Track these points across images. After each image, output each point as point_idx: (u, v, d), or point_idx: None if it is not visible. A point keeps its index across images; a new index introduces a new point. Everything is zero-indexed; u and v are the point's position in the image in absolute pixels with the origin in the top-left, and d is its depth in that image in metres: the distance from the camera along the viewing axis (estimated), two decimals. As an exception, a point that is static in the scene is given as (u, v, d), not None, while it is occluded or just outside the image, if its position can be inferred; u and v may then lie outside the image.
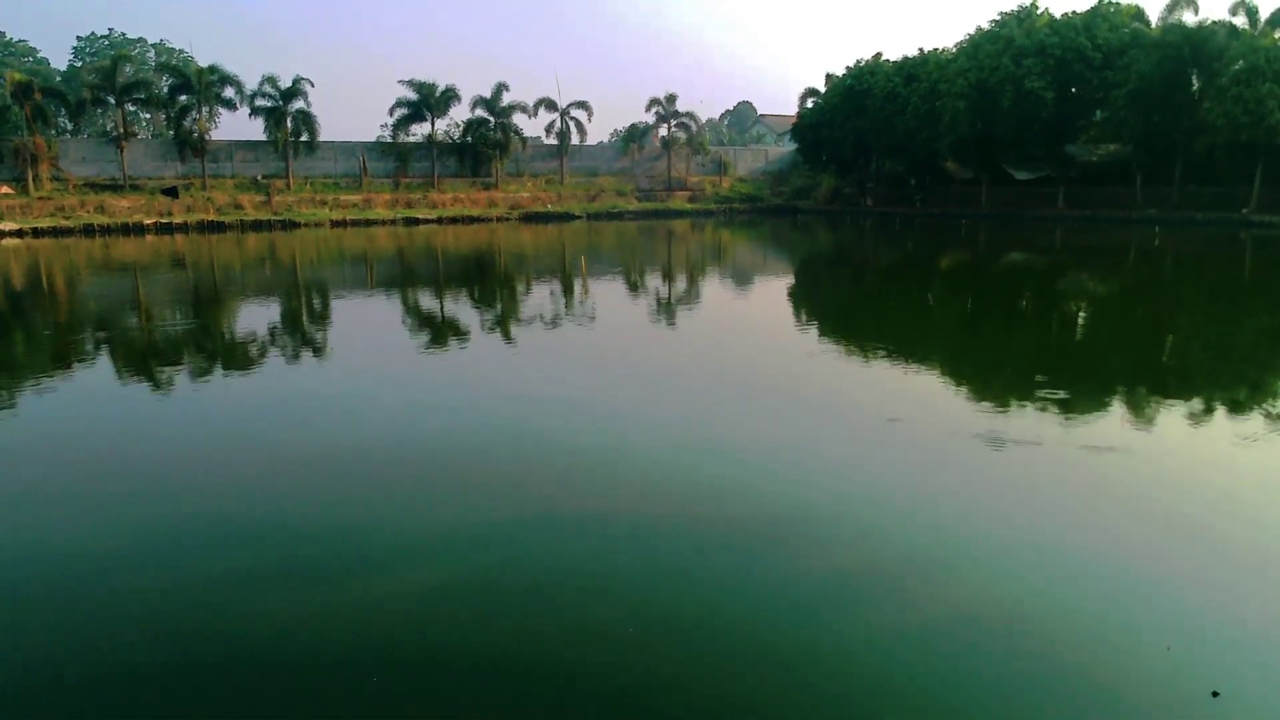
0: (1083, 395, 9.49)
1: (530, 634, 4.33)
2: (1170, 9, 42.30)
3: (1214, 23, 40.18)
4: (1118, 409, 9.10)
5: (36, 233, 40.40)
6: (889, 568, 5.10)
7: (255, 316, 17.05)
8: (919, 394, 9.66)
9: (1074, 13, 45.74)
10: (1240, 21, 40.00)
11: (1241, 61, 38.08)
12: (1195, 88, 40.84)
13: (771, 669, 4.04)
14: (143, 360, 12.32)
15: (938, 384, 10.43)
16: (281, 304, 18.94)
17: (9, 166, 45.59)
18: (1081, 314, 16.72)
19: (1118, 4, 45.38)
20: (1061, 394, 9.53)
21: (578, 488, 6.52)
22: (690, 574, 5.00)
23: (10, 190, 44.51)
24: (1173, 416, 8.62)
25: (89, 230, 42.04)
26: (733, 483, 6.55)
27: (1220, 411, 8.84)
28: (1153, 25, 43.32)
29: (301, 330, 15.10)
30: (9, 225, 40.08)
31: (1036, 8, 47.86)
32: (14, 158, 45.41)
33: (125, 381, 10.96)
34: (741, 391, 9.80)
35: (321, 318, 16.88)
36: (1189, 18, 41.51)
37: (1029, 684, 3.94)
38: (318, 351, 12.91)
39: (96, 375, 11.38)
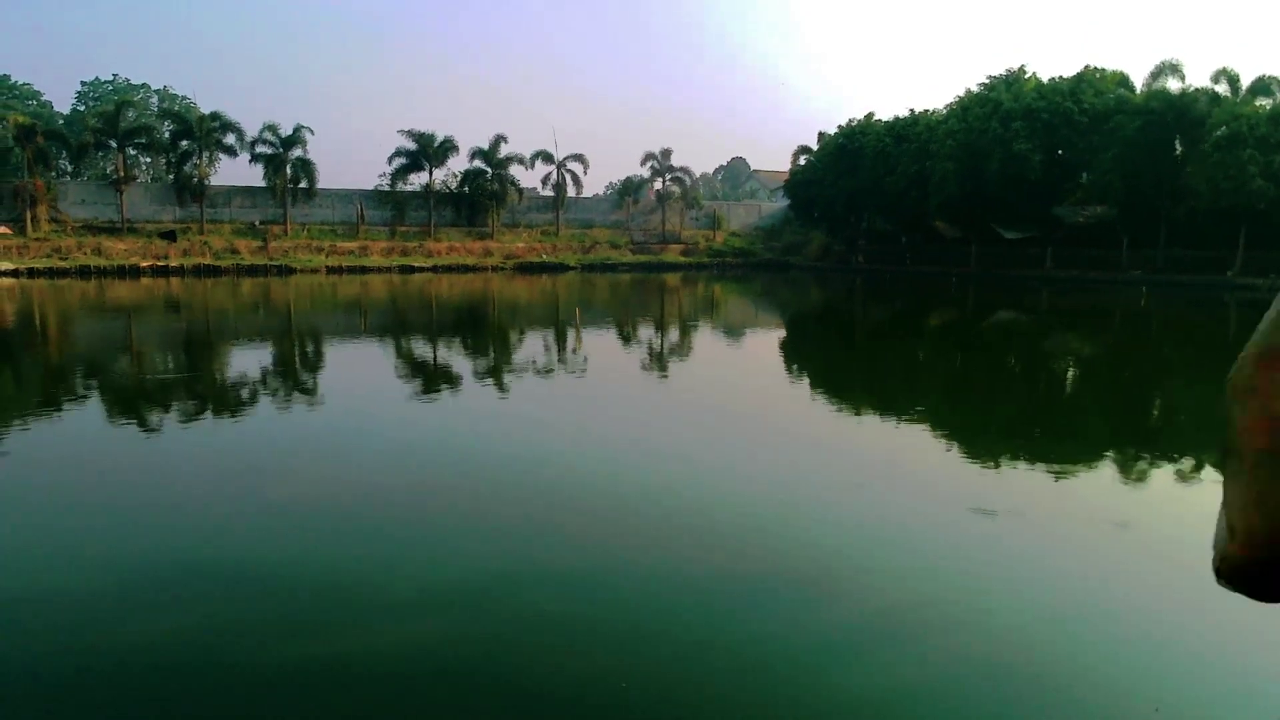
0: (1073, 454, 9.62)
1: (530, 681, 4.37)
2: (1155, 75, 43.44)
3: (1197, 89, 41.24)
4: (1106, 474, 9.21)
5: (32, 273, 40.57)
6: (901, 614, 5.16)
7: (246, 361, 17.13)
8: (901, 451, 9.77)
9: (1061, 77, 46.92)
10: (1223, 89, 41.07)
11: (1224, 128, 38.99)
12: (1179, 153, 41.75)
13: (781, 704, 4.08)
14: (128, 403, 12.37)
15: (921, 441, 10.54)
16: (273, 349, 19.02)
17: (8, 207, 45.96)
18: (1068, 373, 16.92)
19: (1103, 70, 46.57)
20: (1053, 457, 9.65)
21: (568, 534, 6.58)
22: (701, 620, 5.05)
23: (8, 230, 44.79)
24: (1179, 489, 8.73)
25: (84, 272, 42.24)
26: (730, 532, 6.61)
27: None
28: (1137, 91, 44.39)
29: (291, 375, 15.17)
30: (5, 265, 40.26)
31: (1024, 72, 49.08)
32: (13, 199, 45.80)
33: (112, 423, 11.00)
34: (730, 445, 9.89)
35: (312, 363, 16.96)
36: (1173, 84, 42.61)
37: None
38: (305, 395, 12.97)
39: (82, 417, 11.42)
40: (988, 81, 49.99)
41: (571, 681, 4.42)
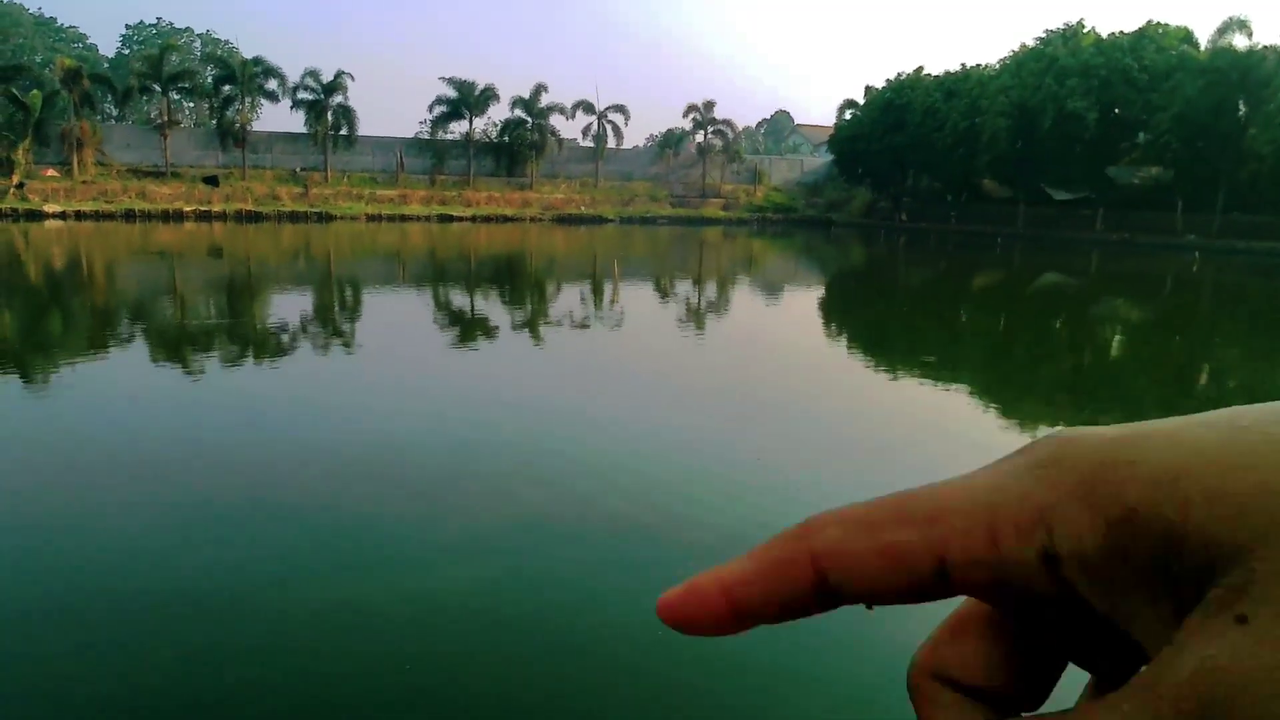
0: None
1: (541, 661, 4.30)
2: (1220, 32, 41.69)
3: (1264, 48, 39.55)
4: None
5: (79, 216, 41.14)
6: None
7: (298, 307, 17.21)
8: (932, 417, 9.54)
9: (1121, 33, 45.24)
10: (1291, 48, 39.40)
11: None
12: (1242, 114, 40.21)
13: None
14: (172, 348, 12.47)
15: (954, 406, 10.29)
16: (313, 298, 19.10)
17: (55, 150, 46.49)
18: (1113, 340, 16.47)
19: (1166, 26, 44.81)
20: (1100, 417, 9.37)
21: (566, 502, 6.49)
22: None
23: (56, 174, 45.38)
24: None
25: (130, 215, 42.76)
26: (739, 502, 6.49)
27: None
28: (1201, 48, 42.71)
29: (327, 326, 15.21)
30: (53, 208, 40.85)
31: (1083, 26, 47.39)
32: (60, 142, 46.28)
33: (153, 366, 11.10)
34: (762, 410, 9.72)
35: (349, 313, 17.00)
36: (1240, 41, 40.89)
37: None
38: (337, 348, 12.99)
39: (118, 362, 11.52)
40: (1044, 36, 48.43)
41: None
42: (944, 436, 8.60)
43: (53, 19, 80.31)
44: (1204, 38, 43.32)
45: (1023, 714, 0.25)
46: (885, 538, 0.24)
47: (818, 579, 0.24)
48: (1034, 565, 0.22)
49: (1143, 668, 0.21)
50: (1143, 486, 0.21)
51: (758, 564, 0.24)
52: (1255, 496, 0.20)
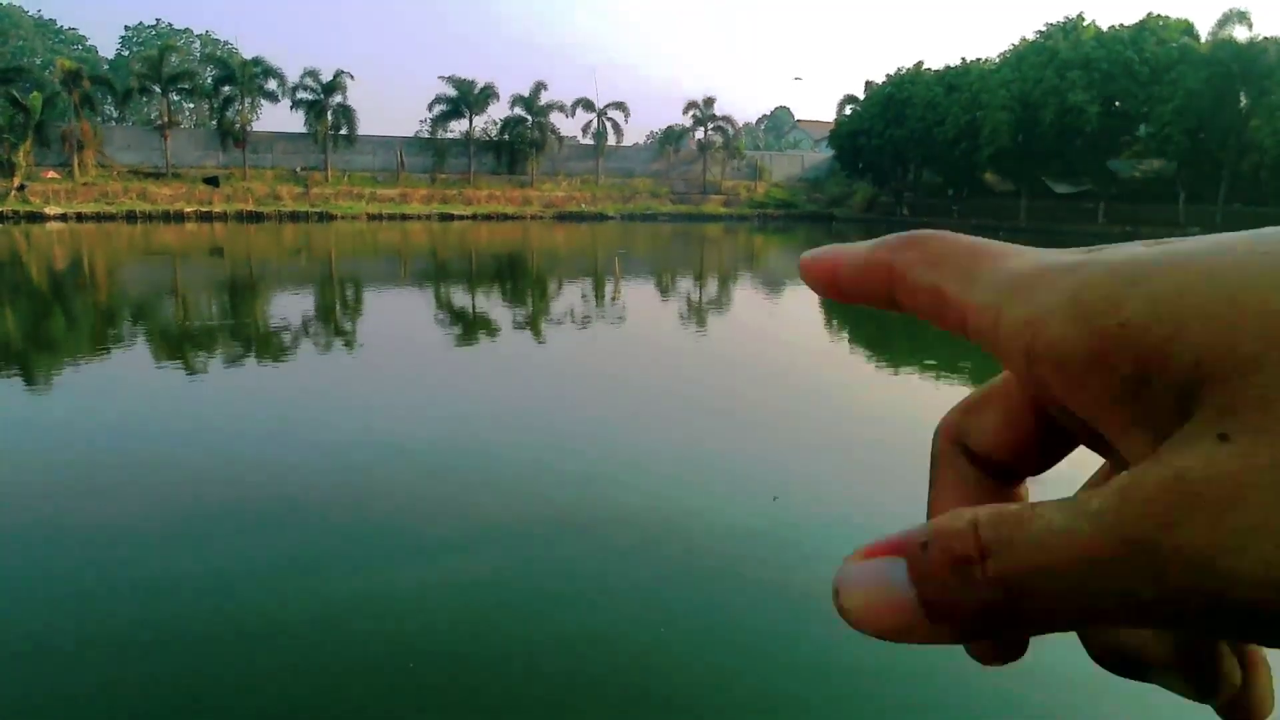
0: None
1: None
2: (1221, 24, 41.56)
3: (1265, 39, 39.43)
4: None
5: (80, 217, 41.15)
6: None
7: (287, 308, 17.21)
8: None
9: (1122, 25, 45.11)
10: (1293, 38, 39.28)
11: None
12: (1243, 105, 40.10)
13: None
14: (177, 347, 12.46)
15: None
16: (315, 298, 19.09)
17: (56, 152, 46.50)
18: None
19: (1167, 18, 44.68)
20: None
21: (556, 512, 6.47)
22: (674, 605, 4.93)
23: (57, 175, 45.40)
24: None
25: (131, 217, 42.77)
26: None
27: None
28: (1202, 40, 42.58)
29: (327, 326, 15.20)
30: (54, 210, 40.87)
31: (1083, 19, 47.27)
32: (61, 144, 46.29)
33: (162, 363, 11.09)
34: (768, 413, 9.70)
35: (350, 313, 16.99)
36: (1241, 33, 40.77)
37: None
38: (337, 349, 12.98)
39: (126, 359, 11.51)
40: (1044, 29, 48.30)
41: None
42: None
43: (52, 20, 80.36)
44: (1205, 30, 43.22)
45: (1004, 501, 0.25)
46: (935, 281, 0.25)
47: (889, 297, 0.27)
48: (1019, 360, 0.23)
49: (1120, 473, 0.22)
50: (1141, 302, 0.21)
51: (863, 260, 0.27)
52: (1253, 318, 0.19)
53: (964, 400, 0.29)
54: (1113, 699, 3.88)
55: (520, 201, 54.71)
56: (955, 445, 0.29)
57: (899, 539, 0.22)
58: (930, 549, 0.21)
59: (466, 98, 55.34)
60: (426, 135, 56.61)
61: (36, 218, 40.00)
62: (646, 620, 4.53)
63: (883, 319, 17.97)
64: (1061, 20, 48.17)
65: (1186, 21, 44.30)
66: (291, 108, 51.72)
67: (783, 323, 17.00)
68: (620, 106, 59.56)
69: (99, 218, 41.78)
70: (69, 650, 4.10)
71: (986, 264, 0.25)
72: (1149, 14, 45.09)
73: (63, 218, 40.62)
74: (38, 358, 11.66)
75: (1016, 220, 49.83)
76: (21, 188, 42.02)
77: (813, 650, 4.26)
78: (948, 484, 0.28)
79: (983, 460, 0.28)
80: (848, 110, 60.63)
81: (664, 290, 21.59)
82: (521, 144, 56.85)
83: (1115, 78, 42.74)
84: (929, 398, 10.08)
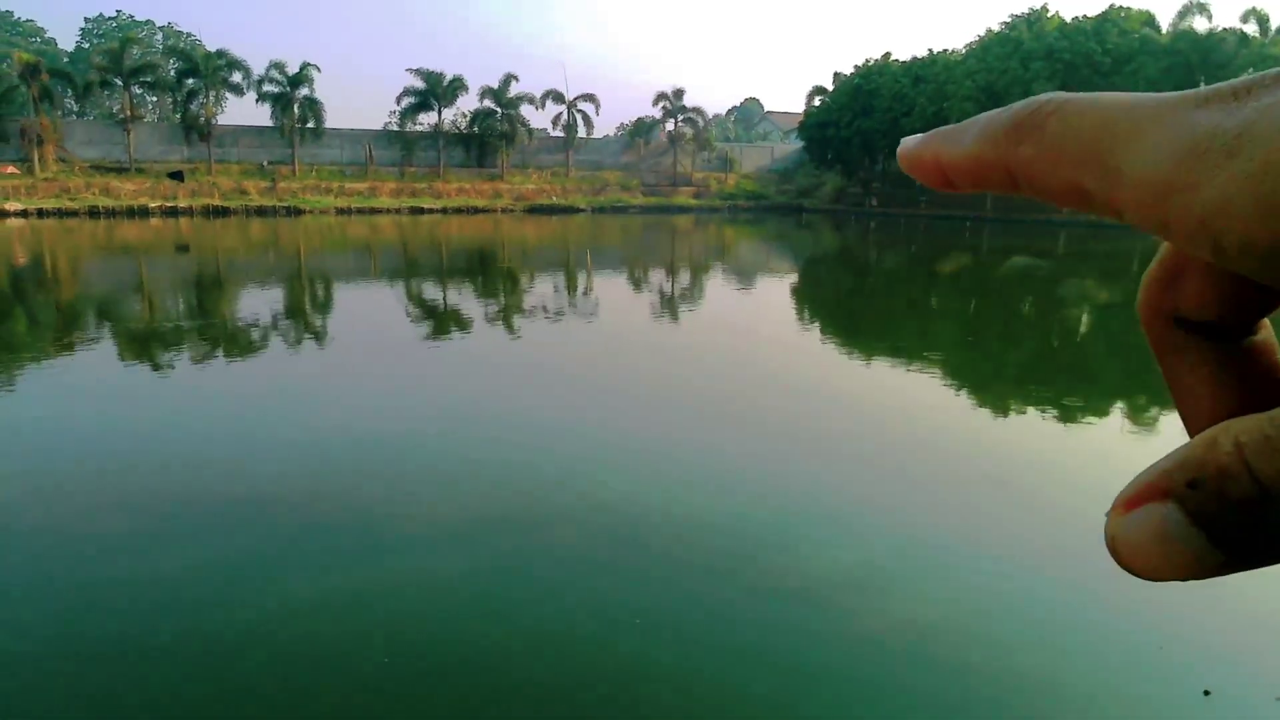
0: (1089, 394, 9.52)
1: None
2: (1182, 15, 42.28)
3: (1224, 30, 40.14)
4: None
5: (41, 213, 40.44)
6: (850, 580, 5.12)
7: (255, 305, 17.09)
8: (899, 403, 9.68)
9: (1084, 17, 45.72)
10: (1251, 29, 39.99)
11: (1250, 70, 38.02)
12: (1203, 95, 40.74)
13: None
14: (145, 345, 12.35)
15: (922, 391, 10.44)
16: (283, 293, 18.96)
17: (15, 147, 45.62)
18: (1080, 320, 16.74)
19: (1128, 9, 45.34)
20: (1068, 401, 9.55)
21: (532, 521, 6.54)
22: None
23: (16, 171, 44.55)
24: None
25: (94, 212, 42.08)
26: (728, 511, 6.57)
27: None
28: (1163, 31, 43.25)
29: (296, 323, 15.12)
30: (14, 206, 40.12)
31: (1047, 11, 47.83)
32: (20, 138, 45.42)
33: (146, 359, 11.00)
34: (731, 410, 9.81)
35: (319, 310, 16.90)
36: (1200, 24, 41.49)
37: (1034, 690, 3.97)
38: (307, 346, 12.93)
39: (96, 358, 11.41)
40: (1009, 21, 48.79)
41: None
42: (913, 420, 8.73)
43: (9, 12, 78.64)
44: (1165, 21, 43.91)
45: (1250, 362, 0.25)
46: (1069, 178, 0.23)
47: (1011, 184, 0.25)
48: (1207, 252, 0.21)
49: None
50: None
51: (971, 160, 0.25)
52: None
53: (1154, 275, 0.27)
54: (1099, 709, 4.03)
55: (490, 194, 54.46)
56: (1171, 325, 0.26)
57: (1159, 481, 0.21)
58: (1202, 489, 0.20)
59: (435, 90, 54.95)
60: (395, 128, 56.14)
61: (-4, 214, 39.28)
62: (620, 617, 4.62)
63: (852, 307, 18.18)
64: (1026, 11, 48.72)
65: (1147, 13, 44.99)
66: (257, 101, 51.10)
67: (753, 315, 17.14)
68: (590, 99, 59.44)
69: (60, 214, 41.07)
70: (33, 653, 4.12)
71: (1122, 148, 0.22)
72: (1111, 5, 45.74)
73: (23, 214, 39.88)
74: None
75: (983, 210, 50.39)
76: (-20, 184, 41.23)
77: (785, 646, 4.37)
78: (1186, 372, 0.26)
79: (1206, 326, 0.26)
80: (816, 101, 60.92)
81: (635, 284, 21.65)
82: (491, 137, 56.56)
83: (1078, 68, 43.35)
84: (904, 389, 10.25)
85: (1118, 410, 9.56)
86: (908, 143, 0.28)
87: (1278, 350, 0.25)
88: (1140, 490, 0.21)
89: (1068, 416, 8.96)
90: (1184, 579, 0.21)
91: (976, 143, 0.25)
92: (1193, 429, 0.26)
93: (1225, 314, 0.25)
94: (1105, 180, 0.22)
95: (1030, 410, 9.44)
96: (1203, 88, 0.22)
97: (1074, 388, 10.41)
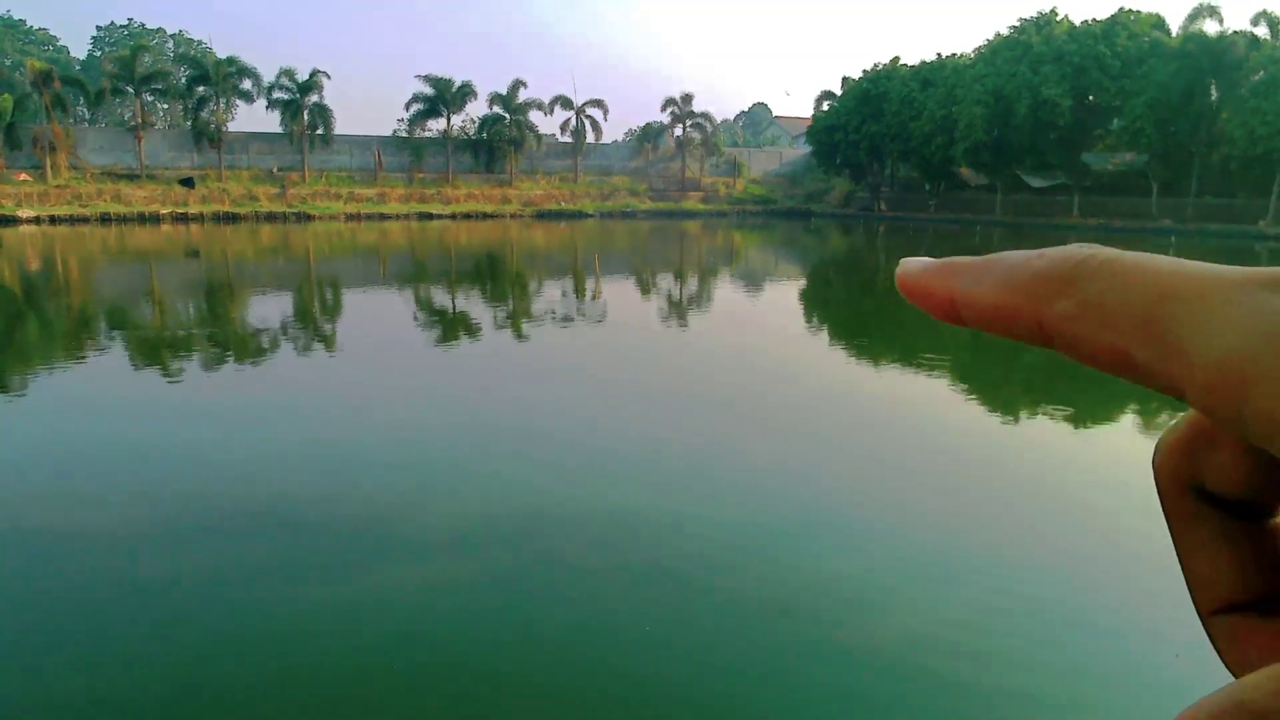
0: (1089, 408, 9.46)
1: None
2: (1192, 18, 42.01)
3: (1235, 33, 39.88)
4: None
5: (54, 220, 40.69)
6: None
7: (265, 311, 17.14)
8: (905, 408, 9.64)
9: (1094, 20, 45.54)
10: (1262, 32, 39.70)
11: (1262, 72, 37.81)
12: (1214, 98, 40.58)
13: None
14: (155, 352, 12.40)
15: (928, 396, 10.39)
16: (293, 299, 19.01)
17: (28, 154, 45.92)
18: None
19: (1138, 13, 45.14)
20: (1075, 409, 9.50)
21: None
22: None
23: (28, 177, 44.84)
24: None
25: (105, 219, 42.33)
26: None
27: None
28: (1173, 34, 43.04)
29: (306, 329, 15.16)
30: (27, 212, 40.38)
31: (1056, 15, 47.66)
32: (33, 145, 45.73)
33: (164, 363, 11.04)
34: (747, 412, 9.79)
35: (328, 316, 16.94)
36: (1211, 27, 41.21)
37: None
38: (317, 351, 12.96)
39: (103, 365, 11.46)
40: (1018, 24, 48.63)
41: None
42: (916, 420, 8.69)
43: (22, 21, 79.25)
44: (1175, 24, 43.70)
45: (1265, 545, 0.24)
46: (1114, 342, 0.21)
47: (1044, 339, 0.22)
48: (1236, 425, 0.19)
49: None
50: None
51: (996, 303, 0.23)
52: None
53: (1179, 436, 0.25)
54: None
55: (499, 200, 54.58)
56: (1191, 492, 0.25)
57: None
58: None
59: (444, 96, 55.10)
60: (404, 134, 56.32)
61: (8, 220, 39.51)
62: (627, 626, 4.60)
63: (861, 312, 18.13)
64: (1035, 15, 48.54)
65: (1157, 16, 44.78)
66: (267, 108, 51.34)
67: (760, 321, 17.11)
68: (599, 104, 59.50)
69: (72, 220, 41.32)
70: (44, 659, 4.13)
71: (1186, 323, 0.20)
72: (1120, 8, 45.53)
73: (35, 220, 40.13)
74: (10, 364, 11.58)
75: (992, 214, 50.24)
76: (-7, 191, 41.51)
77: (784, 661, 4.34)
78: (1199, 543, 0.25)
79: (1224, 500, 0.24)
80: (825, 106, 60.83)
81: (643, 289, 21.65)
82: (500, 142, 56.67)
83: (1087, 71, 43.16)
84: (912, 396, 10.21)
85: (1126, 419, 9.50)
86: (910, 267, 0.25)
87: None
88: None
89: (1077, 424, 8.91)
90: None
91: (1004, 289, 0.23)
92: (1200, 600, 0.25)
93: (1255, 493, 0.24)
94: (1162, 354, 0.20)
95: (1039, 417, 9.39)
96: (1262, 269, 0.20)
97: (1081, 395, 10.36)
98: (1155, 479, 0.25)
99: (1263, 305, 0.19)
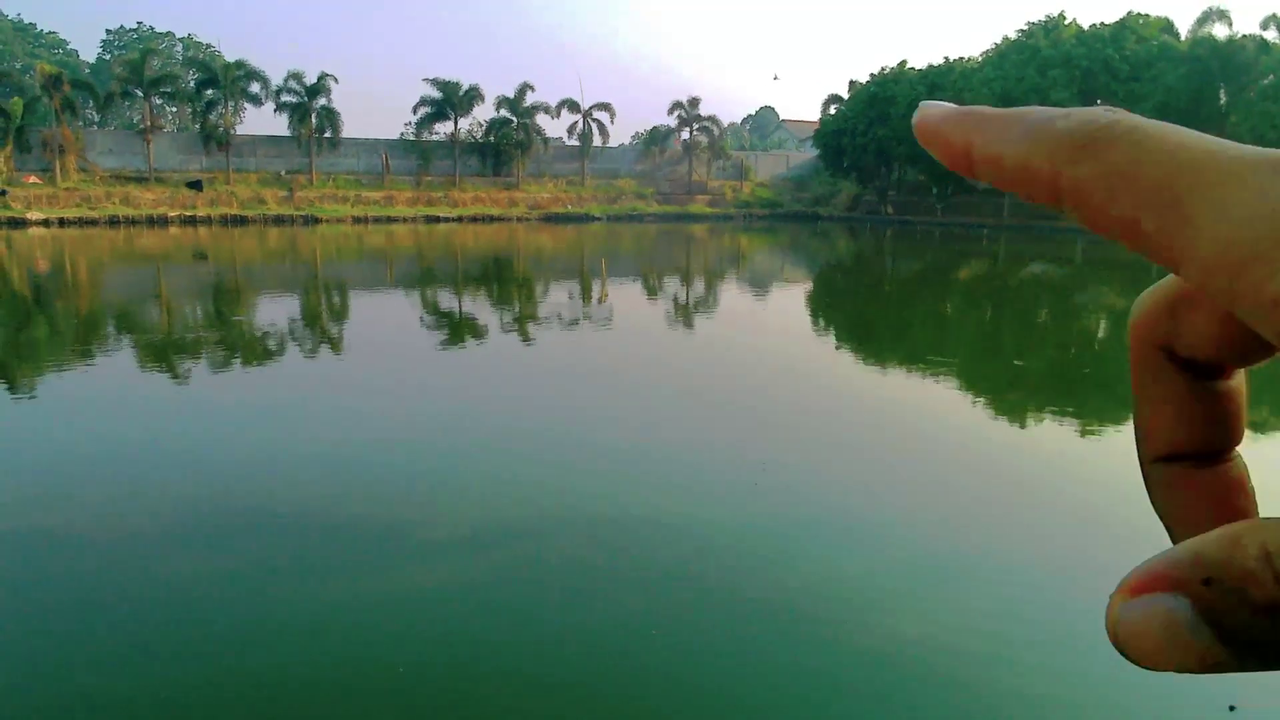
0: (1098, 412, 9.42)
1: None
2: (1200, 22, 41.90)
3: (1244, 36, 39.76)
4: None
5: (63, 223, 40.87)
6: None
7: (272, 313, 17.17)
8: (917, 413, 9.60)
9: (1102, 24, 45.47)
10: (1271, 35, 39.57)
11: (1271, 77, 37.68)
12: (1223, 102, 40.45)
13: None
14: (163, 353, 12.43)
15: (937, 400, 10.35)
16: (300, 301, 19.05)
17: (37, 157, 46.11)
18: (1098, 328, 16.58)
19: (1146, 16, 45.05)
20: (1084, 410, 9.46)
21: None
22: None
23: (38, 180, 45.05)
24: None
25: (114, 221, 42.50)
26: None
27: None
28: (1182, 38, 42.93)
29: (313, 331, 15.18)
30: (36, 215, 40.56)
31: (1064, 18, 47.58)
32: (42, 148, 45.92)
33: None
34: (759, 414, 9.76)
35: (334, 317, 16.97)
36: (1220, 31, 41.10)
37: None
38: (324, 354, 12.97)
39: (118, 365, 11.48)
40: (1026, 28, 48.57)
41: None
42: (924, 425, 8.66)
43: (32, 24, 79.73)
44: (1184, 28, 43.60)
45: (1221, 402, 0.26)
46: (1127, 213, 0.21)
47: (1057, 200, 0.22)
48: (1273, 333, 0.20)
49: None
50: None
51: (1015, 156, 0.22)
52: None
53: (1158, 296, 0.26)
54: None
55: (506, 203, 54.65)
56: (1160, 350, 0.26)
57: (1170, 571, 0.20)
58: (1218, 588, 0.20)
59: (451, 99, 55.21)
60: (411, 137, 56.46)
61: (18, 223, 39.70)
62: (637, 627, 4.58)
63: (868, 315, 18.09)
64: (1043, 19, 48.48)
65: (1166, 19, 44.68)
66: (275, 111, 51.50)
67: (766, 324, 17.08)
68: (605, 107, 59.57)
69: (81, 223, 41.50)
70: (48, 660, 4.12)
71: (1200, 196, 0.20)
72: (1129, 12, 45.44)
73: (45, 223, 40.31)
74: (18, 366, 11.61)
75: (1000, 218, 50.14)
76: (2, 193, 41.69)
77: (791, 658, 4.32)
78: (1157, 399, 0.27)
79: (1189, 360, 0.26)
80: (832, 110, 60.80)
81: (650, 292, 21.64)
82: (507, 145, 56.75)
83: (1096, 75, 43.08)
84: (918, 398, 10.18)
85: (1130, 422, 9.43)
86: (929, 111, 0.24)
87: (1244, 397, 0.26)
88: (1149, 578, 0.21)
89: (1081, 427, 8.86)
90: (1184, 672, 0.21)
91: (1026, 144, 0.22)
92: (1146, 448, 0.27)
93: (1220, 356, 0.25)
94: (1169, 225, 0.20)
95: (1044, 420, 9.34)
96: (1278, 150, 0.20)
97: (1090, 397, 10.30)
98: (1129, 334, 0.27)
99: (1270, 188, 0.20)
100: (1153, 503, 0.26)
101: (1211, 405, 0.26)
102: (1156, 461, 0.27)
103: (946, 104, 0.24)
